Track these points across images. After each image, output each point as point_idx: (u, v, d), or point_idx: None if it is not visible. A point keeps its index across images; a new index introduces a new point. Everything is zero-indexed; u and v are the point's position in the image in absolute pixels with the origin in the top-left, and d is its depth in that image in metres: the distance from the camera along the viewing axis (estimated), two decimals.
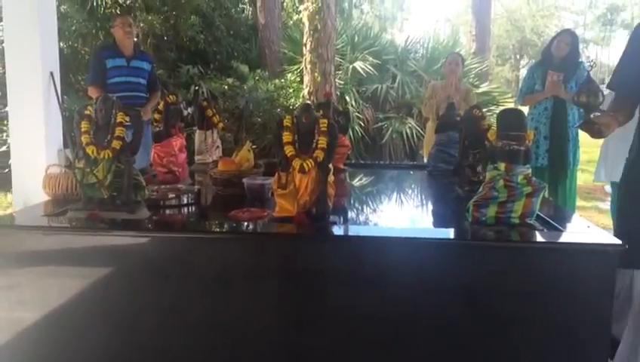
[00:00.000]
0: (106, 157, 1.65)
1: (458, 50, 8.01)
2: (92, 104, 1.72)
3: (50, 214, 1.77)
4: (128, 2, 7.30)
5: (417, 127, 6.95)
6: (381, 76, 7.73)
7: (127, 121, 1.72)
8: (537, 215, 1.60)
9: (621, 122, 1.89)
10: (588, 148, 5.96)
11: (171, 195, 2.02)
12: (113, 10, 7.13)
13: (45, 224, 1.66)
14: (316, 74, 6.65)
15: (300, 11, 7.14)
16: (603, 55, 43.87)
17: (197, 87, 6.90)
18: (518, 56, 34.62)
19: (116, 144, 1.66)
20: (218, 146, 2.89)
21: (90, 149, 1.65)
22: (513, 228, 1.53)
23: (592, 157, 5.30)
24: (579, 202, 4.95)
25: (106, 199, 1.69)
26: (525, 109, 4.04)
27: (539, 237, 1.49)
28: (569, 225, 1.63)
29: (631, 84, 1.88)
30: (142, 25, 7.02)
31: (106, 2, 7.06)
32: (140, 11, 7.25)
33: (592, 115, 1.83)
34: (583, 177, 6.19)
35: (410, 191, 2.74)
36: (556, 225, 1.59)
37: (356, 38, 8.36)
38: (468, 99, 4.41)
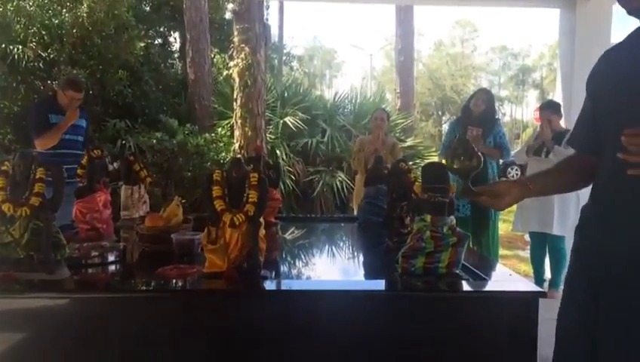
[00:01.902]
0: (24, 214, 1.57)
1: (384, 106, 8.37)
2: (10, 159, 1.65)
3: None
4: (52, 56, 7.11)
5: (347, 180, 7.08)
6: (311, 131, 7.89)
7: (47, 177, 1.64)
8: (463, 264, 1.65)
9: (534, 190, 1.51)
10: None
11: (94, 253, 1.93)
12: (36, 64, 6.92)
13: None
14: (247, 128, 6.66)
15: (230, 67, 7.22)
16: (517, 112, 47.25)
17: (124, 142, 6.74)
18: (440, 113, 36.57)
19: (35, 201, 1.58)
20: (145, 201, 2.80)
21: (5, 207, 1.56)
22: (441, 278, 1.57)
23: (512, 208, 5.56)
24: (501, 251, 5.16)
25: (22, 259, 1.59)
26: None
27: (465, 287, 1.54)
28: (493, 274, 1.69)
29: (579, 139, 1.49)
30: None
31: (28, 56, 6.85)
32: (64, 65, 7.08)
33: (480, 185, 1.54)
34: (504, 227, 6.47)
35: (341, 244, 2.76)
36: (481, 274, 1.65)
37: (286, 94, 8.54)
38: (394, 152, 4.57)
